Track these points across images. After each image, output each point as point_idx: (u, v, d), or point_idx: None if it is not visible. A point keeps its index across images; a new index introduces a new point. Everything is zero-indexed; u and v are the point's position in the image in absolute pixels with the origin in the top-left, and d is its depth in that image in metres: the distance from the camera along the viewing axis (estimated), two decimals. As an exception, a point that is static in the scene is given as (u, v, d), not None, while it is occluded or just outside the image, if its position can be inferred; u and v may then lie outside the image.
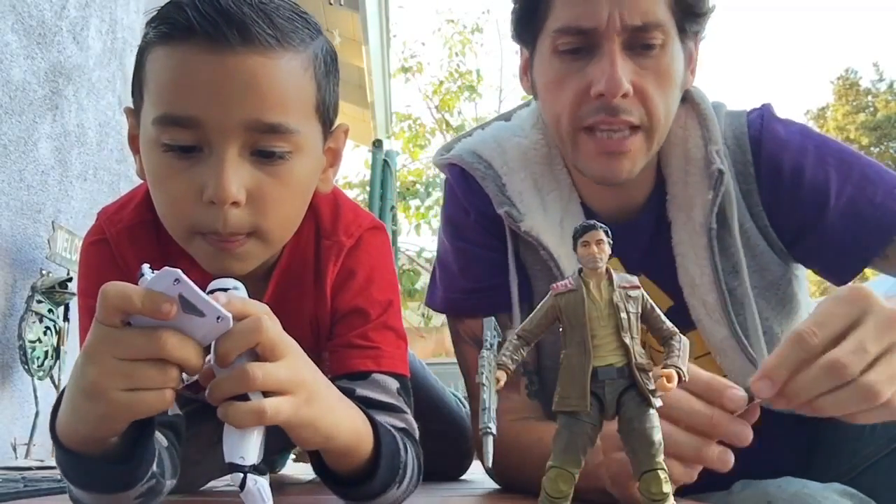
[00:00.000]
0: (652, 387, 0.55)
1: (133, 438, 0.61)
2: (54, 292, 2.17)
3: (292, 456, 1.60)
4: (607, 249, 0.56)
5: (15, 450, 1.99)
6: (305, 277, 0.86)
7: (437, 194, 9.67)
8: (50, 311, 2.17)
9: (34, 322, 2.10)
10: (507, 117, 1.20)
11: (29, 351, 2.06)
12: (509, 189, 1.05)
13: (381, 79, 5.86)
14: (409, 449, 0.79)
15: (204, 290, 0.57)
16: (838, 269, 1.03)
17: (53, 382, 2.19)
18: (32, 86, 2.19)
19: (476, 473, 1.47)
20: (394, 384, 0.84)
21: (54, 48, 2.32)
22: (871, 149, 17.99)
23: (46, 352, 2.15)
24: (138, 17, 3.01)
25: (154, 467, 0.65)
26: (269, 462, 1.54)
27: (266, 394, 0.58)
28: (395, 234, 5.33)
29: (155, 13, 0.73)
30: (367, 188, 5.10)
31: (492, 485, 1.16)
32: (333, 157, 0.84)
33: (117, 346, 0.55)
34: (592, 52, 0.93)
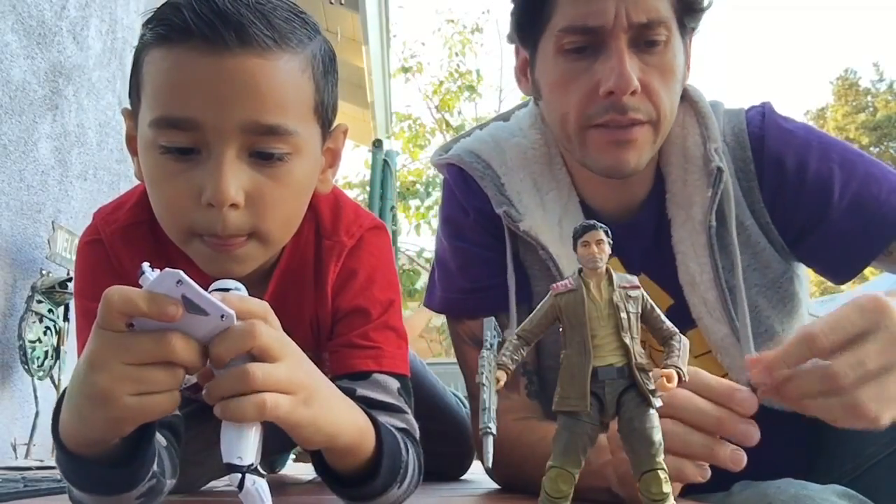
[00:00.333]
0: (652, 387, 0.55)
1: (135, 439, 0.61)
2: (54, 292, 2.17)
3: (292, 456, 1.60)
4: (607, 249, 0.56)
5: (15, 450, 1.99)
6: (305, 278, 0.86)
7: (437, 194, 9.66)
8: (50, 311, 2.17)
9: (34, 322, 2.10)
10: (505, 117, 1.20)
11: (29, 351, 2.06)
12: (508, 189, 1.05)
13: (381, 79, 5.86)
14: (409, 449, 0.79)
15: (206, 289, 0.57)
16: (840, 267, 1.02)
17: (53, 382, 2.19)
18: (32, 86, 2.19)
19: (476, 473, 1.47)
20: (394, 384, 0.83)
21: (54, 48, 2.32)
22: (871, 149, 17.99)
23: (46, 352, 2.15)
24: (138, 17, 3.00)
25: (154, 467, 0.65)
26: (269, 462, 1.55)
27: None
28: (395, 234, 5.33)
29: (151, 14, 0.72)
30: (367, 188, 5.10)
31: (492, 485, 1.16)
32: (332, 158, 0.84)
33: (124, 351, 0.55)
34: (598, 50, 0.93)
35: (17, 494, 1.08)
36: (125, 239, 0.83)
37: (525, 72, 1.06)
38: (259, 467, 0.58)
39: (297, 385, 0.60)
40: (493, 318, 0.59)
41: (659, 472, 0.55)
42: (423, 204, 10.54)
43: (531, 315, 0.58)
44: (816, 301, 4.30)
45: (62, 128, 2.38)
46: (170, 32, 0.69)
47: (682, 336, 0.57)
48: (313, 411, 0.62)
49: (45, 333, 2.14)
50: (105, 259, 0.83)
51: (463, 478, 1.45)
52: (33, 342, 2.09)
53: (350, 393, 0.78)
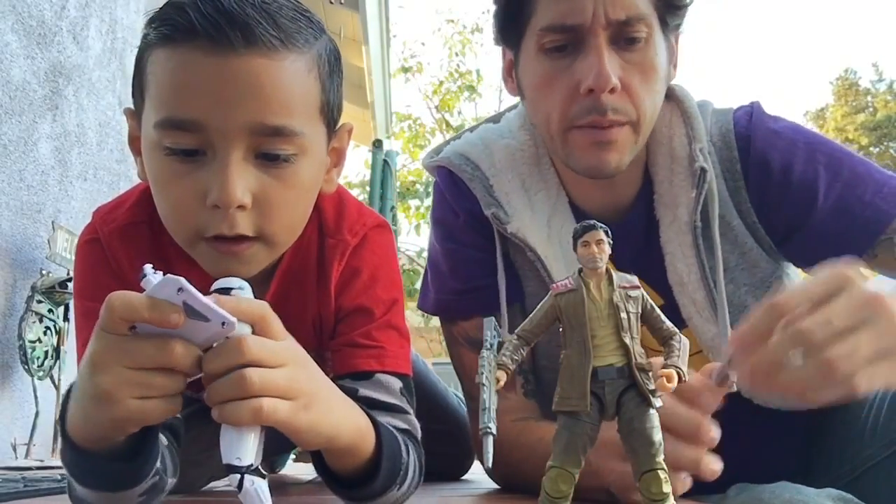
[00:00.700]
0: (652, 387, 0.55)
1: (140, 436, 0.61)
2: (54, 292, 2.17)
3: (292, 456, 1.60)
4: (607, 249, 0.56)
5: (15, 450, 1.99)
6: (308, 277, 0.86)
7: (436, 195, 9.64)
8: (50, 311, 2.17)
9: (34, 322, 2.10)
10: (495, 119, 1.20)
11: (29, 351, 2.06)
12: (497, 190, 1.05)
13: (381, 79, 5.86)
14: (410, 450, 0.79)
15: (209, 289, 0.57)
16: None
17: (53, 382, 2.19)
18: (32, 86, 2.19)
19: (476, 473, 1.47)
20: (397, 384, 0.83)
21: (54, 48, 2.32)
22: (871, 149, 17.99)
23: (46, 352, 2.15)
24: (138, 17, 3.01)
25: (157, 464, 0.65)
26: (269, 462, 1.55)
27: None
28: (395, 234, 5.31)
29: (154, 14, 0.72)
30: (367, 188, 5.10)
31: (492, 485, 1.16)
32: (337, 157, 0.84)
33: (126, 355, 0.55)
34: (578, 48, 0.93)
35: (17, 494, 1.08)
36: (123, 238, 0.82)
37: (511, 73, 1.06)
38: (260, 468, 0.58)
39: (296, 390, 0.60)
40: (493, 319, 0.59)
41: (659, 472, 0.55)
42: (423, 204, 10.54)
43: (531, 315, 0.58)
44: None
45: (62, 128, 2.38)
46: (174, 32, 0.68)
47: (682, 336, 0.57)
48: (312, 415, 0.62)
49: (45, 333, 2.14)
50: (103, 258, 0.82)
51: (463, 478, 1.45)
52: (33, 342, 2.09)
53: (352, 393, 0.77)
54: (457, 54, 13.29)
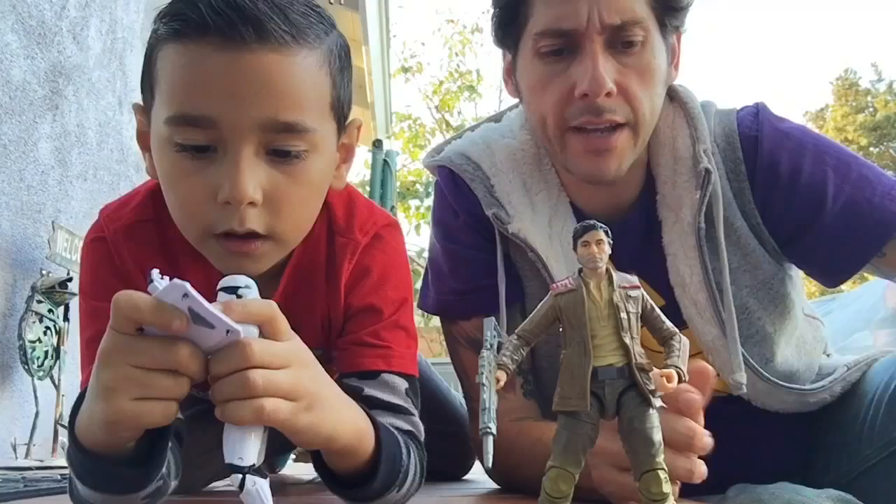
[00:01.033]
0: (652, 387, 0.55)
1: (150, 440, 0.61)
2: (54, 292, 2.16)
3: (292, 456, 1.60)
4: (607, 249, 0.56)
5: (15, 450, 1.99)
6: (317, 275, 0.85)
7: (436, 195, 9.65)
8: (50, 311, 2.17)
9: (34, 322, 2.10)
10: (496, 119, 1.20)
11: (29, 351, 2.06)
12: (498, 190, 1.05)
13: (381, 79, 5.86)
14: (412, 452, 0.79)
15: (216, 285, 0.57)
16: (832, 270, 1.03)
17: (53, 382, 2.19)
18: (32, 86, 2.19)
19: (476, 473, 1.47)
20: (402, 384, 0.83)
21: (54, 48, 2.32)
22: (871, 149, 17.98)
23: (46, 352, 2.15)
24: (138, 16, 3.00)
25: (162, 468, 0.65)
26: (270, 462, 1.55)
27: None
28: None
29: (165, 8, 0.71)
30: (367, 188, 5.11)
31: (492, 485, 1.16)
32: (347, 153, 0.83)
33: (132, 353, 0.55)
34: (574, 52, 0.93)
35: (17, 494, 1.08)
36: (129, 237, 0.82)
37: (510, 74, 1.06)
38: (262, 468, 0.58)
39: (300, 392, 0.60)
40: (493, 319, 0.59)
41: (659, 472, 0.55)
42: (423, 204, 10.54)
43: (531, 315, 0.58)
44: (816, 301, 4.29)
45: (62, 128, 2.38)
46: (185, 28, 0.67)
47: (682, 336, 0.57)
48: (313, 417, 0.62)
49: (45, 333, 2.14)
50: (108, 257, 0.82)
51: (463, 478, 1.45)
52: (33, 342, 2.09)
53: (357, 392, 0.77)
54: (457, 54, 13.31)
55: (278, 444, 0.68)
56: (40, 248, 2.20)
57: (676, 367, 0.55)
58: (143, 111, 0.77)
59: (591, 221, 0.56)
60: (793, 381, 1.04)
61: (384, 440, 0.73)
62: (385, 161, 4.42)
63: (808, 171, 1.00)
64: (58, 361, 2.19)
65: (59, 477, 1.40)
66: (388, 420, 0.78)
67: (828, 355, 1.15)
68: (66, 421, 2.16)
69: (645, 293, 0.57)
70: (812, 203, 0.99)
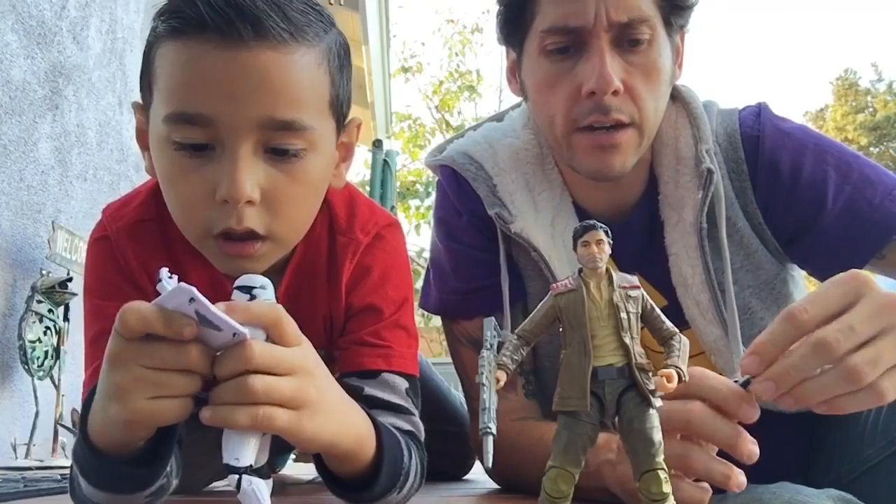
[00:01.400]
0: (652, 387, 0.55)
1: (159, 439, 0.61)
2: (54, 292, 2.16)
3: (292, 456, 1.60)
4: (607, 249, 0.56)
5: (15, 450, 1.99)
6: (318, 274, 0.85)
7: (437, 194, 9.65)
8: (50, 311, 2.17)
9: (34, 322, 2.10)
10: (499, 118, 1.20)
11: (29, 351, 2.06)
12: (500, 190, 1.05)
13: (381, 79, 5.86)
14: (412, 453, 0.79)
15: (219, 284, 0.57)
16: (833, 270, 1.02)
17: (53, 382, 2.19)
18: (32, 86, 2.19)
19: (476, 473, 1.47)
20: (403, 384, 0.83)
21: (54, 48, 2.32)
22: (871, 149, 17.99)
23: (46, 352, 2.15)
24: (138, 16, 3.00)
25: (168, 466, 0.65)
26: (270, 462, 1.54)
27: None
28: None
29: (164, 6, 0.71)
30: (367, 188, 5.11)
31: (492, 485, 1.16)
32: (346, 152, 0.83)
33: (143, 355, 0.55)
34: (581, 50, 0.93)
35: (17, 494, 1.08)
36: (132, 236, 0.82)
37: (515, 73, 1.06)
38: (263, 469, 0.58)
39: (300, 399, 0.59)
40: (493, 319, 0.59)
41: (659, 472, 0.55)
42: (423, 204, 10.55)
43: (531, 315, 0.58)
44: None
45: (62, 128, 2.38)
46: (184, 25, 0.67)
47: (682, 336, 0.57)
48: (314, 425, 0.61)
49: (45, 333, 2.14)
50: (112, 256, 0.82)
51: (463, 478, 1.45)
52: (33, 342, 2.09)
53: (358, 391, 0.77)
54: (457, 54, 13.31)
55: (279, 445, 0.68)
56: (40, 248, 2.20)
57: (676, 367, 0.55)
58: (142, 110, 0.76)
59: (591, 221, 0.55)
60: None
61: (386, 444, 0.72)
62: (385, 161, 4.42)
63: (809, 170, 1.00)
64: (58, 361, 2.19)
65: (59, 477, 1.40)
66: (388, 420, 0.77)
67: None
68: (66, 421, 2.16)
69: (645, 293, 0.57)
70: (812, 203, 0.99)
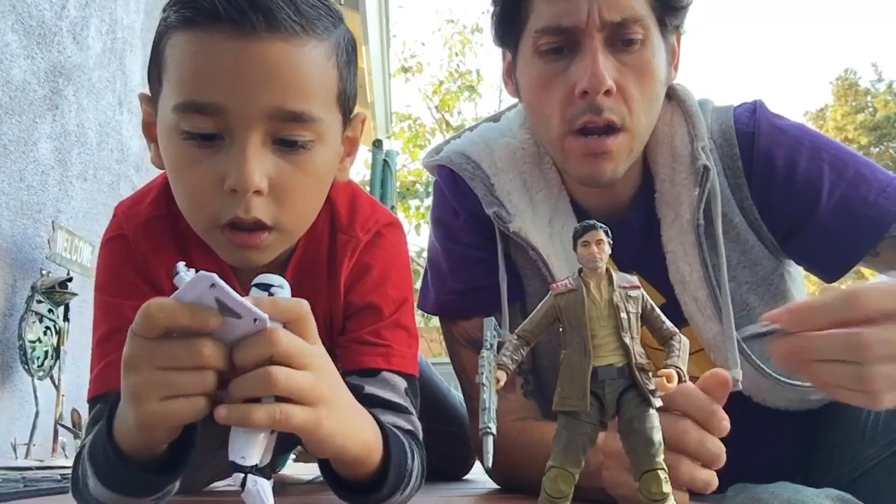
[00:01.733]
0: (652, 387, 0.55)
1: (175, 445, 0.61)
2: (54, 292, 2.16)
3: (292, 456, 1.60)
4: (607, 249, 0.56)
5: (15, 450, 1.99)
6: (319, 271, 0.85)
7: (437, 194, 9.66)
8: (50, 311, 2.17)
9: (34, 322, 2.10)
10: (496, 118, 1.20)
11: (29, 351, 2.06)
12: (498, 189, 1.05)
13: (381, 79, 5.87)
14: (415, 454, 0.79)
15: (228, 277, 0.57)
16: (829, 266, 1.03)
17: (53, 382, 2.19)
18: (32, 86, 2.19)
19: (476, 473, 1.47)
20: (402, 383, 0.83)
21: (54, 48, 2.32)
22: (871, 149, 17.99)
23: (46, 352, 2.15)
24: (138, 16, 3.00)
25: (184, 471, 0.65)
26: (271, 462, 1.54)
27: (280, 398, 0.57)
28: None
29: None
30: (368, 188, 5.11)
31: (492, 485, 1.16)
32: (351, 146, 0.84)
33: (156, 356, 0.55)
34: (574, 50, 0.93)
35: (17, 494, 1.08)
36: (147, 233, 0.82)
37: (510, 74, 1.06)
38: (266, 469, 0.58)
39: (317, 397, 0.59)
40: (493, 319, 0.59)
41: (659, 472, 0.55)
42: (423, 204, 10.54)
43: (531, 315, 0.58)
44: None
45: (62, 128, 2.38)
46: (196, 16, 0.68)
47: (682, 336, 0.57)
48: (327, 425, 0.61)
49: (45, 333, 2.14)
50: (128, 254, 0.82)
51: (463, 478, 1.45)
52: (33, 342, 2.09)
53: (358, 389, 0.78)
54: (457, 54, 13.31)
55: (280, 444, 0.68)
56: (40, 248, 2.20)
57: (676, 366, 0.55)
58: (150, 101, 0.77)
59: (591, 221, 0.55)
60: (794, 378, 1.04)
61: (393, 449, 0.72)
62: (385, 161, 4.42)
63: (804, 167, 1.00)
64: (58, 361, 2.19)
65: (58, 477, 1.40)
66: (388, 419, 0.78)
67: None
68: (66, 421, 2.17)
69: (645, 293, 0.57)
70: (807, 199, 0.99)
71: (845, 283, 0.92)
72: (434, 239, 1.14)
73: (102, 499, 0.65)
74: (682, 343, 0.57)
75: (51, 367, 2.17)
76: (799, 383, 1.04)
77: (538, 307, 0.58)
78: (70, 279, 2.22)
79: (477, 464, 1.44)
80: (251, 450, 0.57)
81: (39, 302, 2.12)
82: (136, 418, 0.57)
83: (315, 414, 0.59)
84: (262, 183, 0.69)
